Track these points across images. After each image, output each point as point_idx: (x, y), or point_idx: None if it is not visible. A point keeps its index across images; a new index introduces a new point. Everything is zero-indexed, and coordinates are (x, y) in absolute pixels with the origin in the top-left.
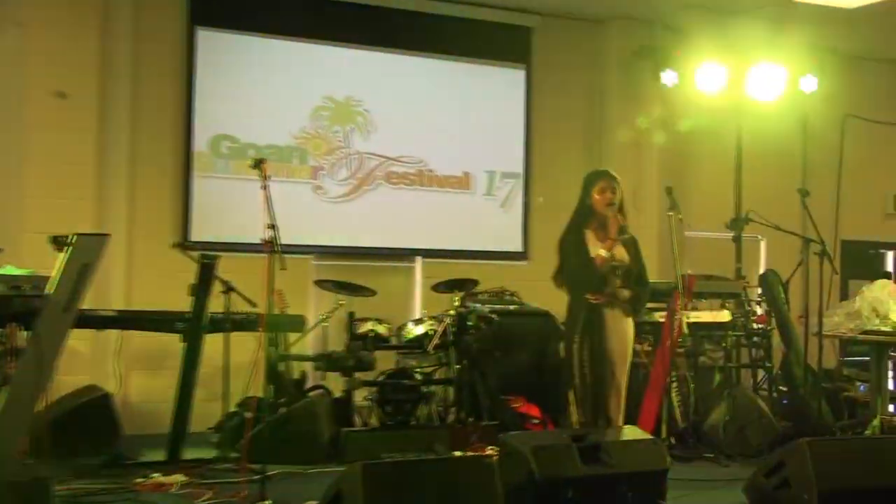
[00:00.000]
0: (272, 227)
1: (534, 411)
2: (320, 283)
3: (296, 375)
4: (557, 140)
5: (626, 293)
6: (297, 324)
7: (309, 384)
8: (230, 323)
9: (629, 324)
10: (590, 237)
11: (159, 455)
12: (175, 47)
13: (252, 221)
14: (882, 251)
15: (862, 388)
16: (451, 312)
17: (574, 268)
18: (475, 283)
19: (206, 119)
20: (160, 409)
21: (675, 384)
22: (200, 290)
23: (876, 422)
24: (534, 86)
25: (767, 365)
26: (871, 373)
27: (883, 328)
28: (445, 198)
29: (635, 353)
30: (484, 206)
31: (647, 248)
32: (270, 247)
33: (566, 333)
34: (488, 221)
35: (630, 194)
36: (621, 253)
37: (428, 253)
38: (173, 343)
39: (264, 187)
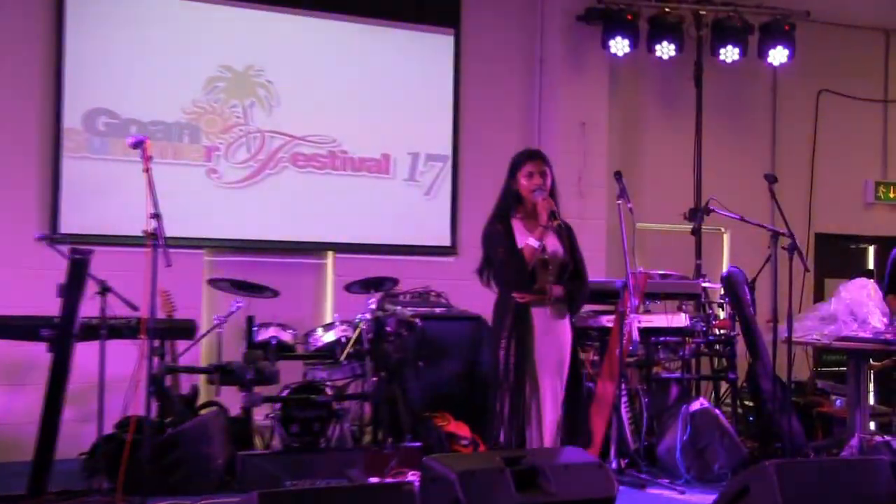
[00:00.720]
0: (156, 216)
1: (462, 430)
2: (214, 283)
3: (185, 390)
4: (491, 117)
5: (558, 290)
6: (187, 330)
7: (200, 400)
8: (107, 329)
9: (565, 326)
10: (517, 226)
11: (19, 487)
12: (42, 4)
13: (133, 210)
14: (861, 246)
15: (838, 402)
16: (368, 316)
17: (499, 261)
18: (395, 282)
19: (80, 90)
20: (22, 433)
21: (625, 399)
22: (71, 290)
23: (854, 441)
24: (464, 54)
25: (731, 377)
26: (848, 385)
27: (862, 334)
28: (361, 184)
29: (579, 363)
30: (406, 194)
31: (593, 242)
32: (154, 240)
33: (492, 337)
34: (411, 211)
35: (573, 180)
36: (554, 243)
37: (341, 247)
38: (39, 353)
39: (147, 170)
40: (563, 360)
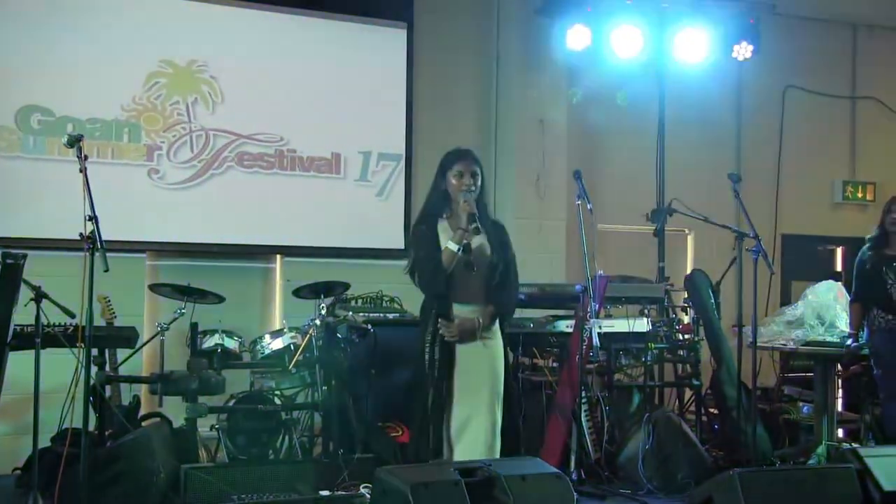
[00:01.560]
0: (93, 218)
1: None
2: (156, 288)
3: (125, 401)
4: (446, 115)
5: (485, 319)
6: (127, 338)
7: (142, 412)
8: (42, 337)
9: (495, 335)
10: (443, 228)
11: None
12: None
13: (69, 212)
14: (829, 247)
15: (805, 409)
16: (318, 322)
17: (421, 262)
18: (346, 286)
19: (12, 86)
20: None
21: (585, 407)
22: (3, 296)
23: (821, 449)
24: (417, 49)
25: (695, 383)
26: (816, 392)
27: (829, 339)
28: (310, 184)
29: (536, 370)
30: (357, 195)
31: (552, 244)
32: (92, 243)
33: (419, 338)
34: (363, 212)
35: (532, 179)
36: (481, 244)
37: (289, 251)
38: None
39: (83, 170)
40: (497, 363)
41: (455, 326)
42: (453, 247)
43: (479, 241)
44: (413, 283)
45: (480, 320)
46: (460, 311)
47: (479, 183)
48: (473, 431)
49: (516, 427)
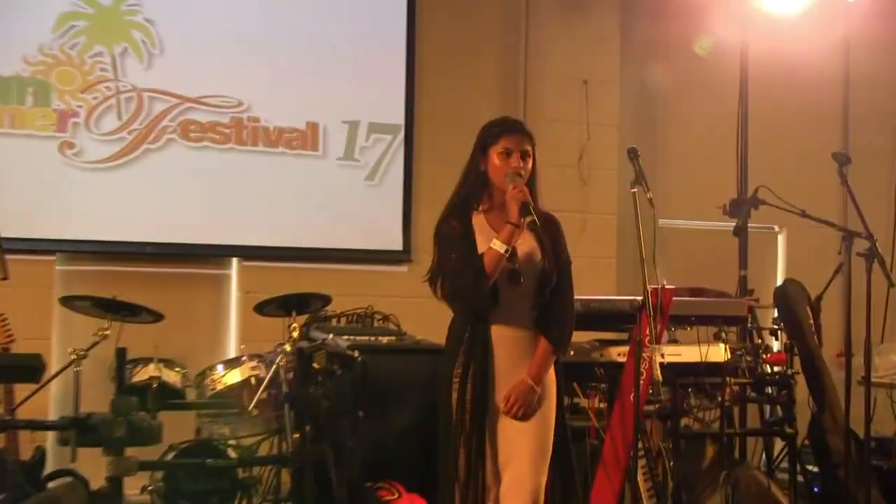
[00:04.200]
0: None
1: None
2: (69, 301)
3: (26, 455)
4: (458, 73)
5: (531, 386)
6: (30, 368)
7: (48, 468)
8: None
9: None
10: (479, 224)
11: None
12: None
13: None
14: None
15: None
16: (287, 349)
17: (450, 271)
18: (326, 300)
19: None
20: None
21: (643, 462)
22: None
23: None
24: None
25: (788, 431)
26: None
27: None
28: (278, 163)
29: (578, 412)
30: (341, 178)
31: (599, 245)
32: None
33: (443, 367)
34: (348, 202)
35: (573, 160)
36: (529, 246)
37: (250, 253)
38: None
39: None
40: (546, 405)
41: (510, 398)
42: (499, 247)
43: (527, 242)
44: (435, 294)
45: (536, 387)
46: (501, 334)
47: (530, 165)
48: (511, 499)
49: (568, 489)
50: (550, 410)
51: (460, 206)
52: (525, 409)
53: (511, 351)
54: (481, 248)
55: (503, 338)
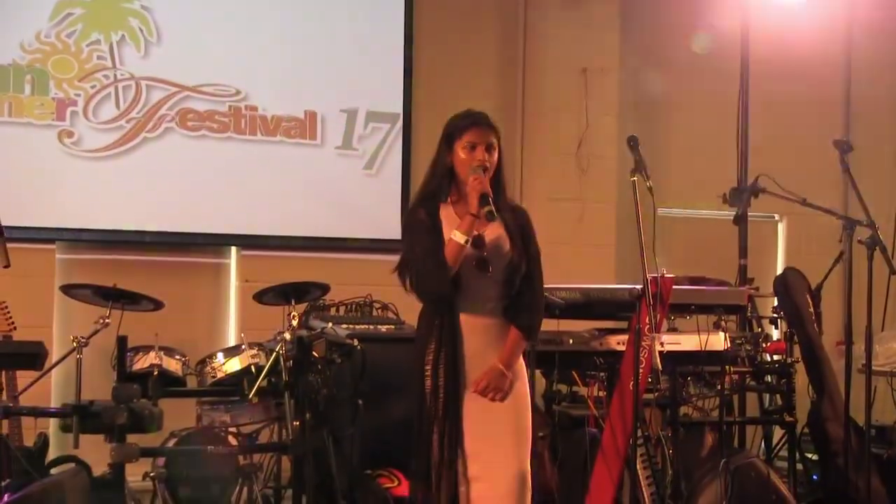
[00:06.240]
0: None
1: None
2: (71, 290)
3: (30, 442)
4: (457, 62)
5: (501, 371)
6: (32, 356)
7: (51, 455)
8: None
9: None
10: (446, 215)
11: None
12: None
13: None
14: None
15: None
16: (287, 337)
17: (417, 257)
18: (325, 289)
19: None
20: None
21: (642, 449)
22: None
23: None
24: None
25: (788, 419)
26: None
27: None
28: (277, 153)
29: (577, 400)
30: (339, 167)
31: (597, 234)
32: None
33: (415, 356)
34: (346, 191)
35: (571, 148)
36: (497, 235)
37: (249, 241)
38: None
39: None
40: (519, 389)
41: (481, 382)
42: (459, 237)
43: (495, 232)
44: (403, 286)
45: (507, 371)
46: (471, 322)
47: (495, 158)
48: (497, 484)
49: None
50: (524, 394)
51: (428, 198)
52: (496, 394)
53: (481, 339)
54: (446, 238)
55: (473, 326)
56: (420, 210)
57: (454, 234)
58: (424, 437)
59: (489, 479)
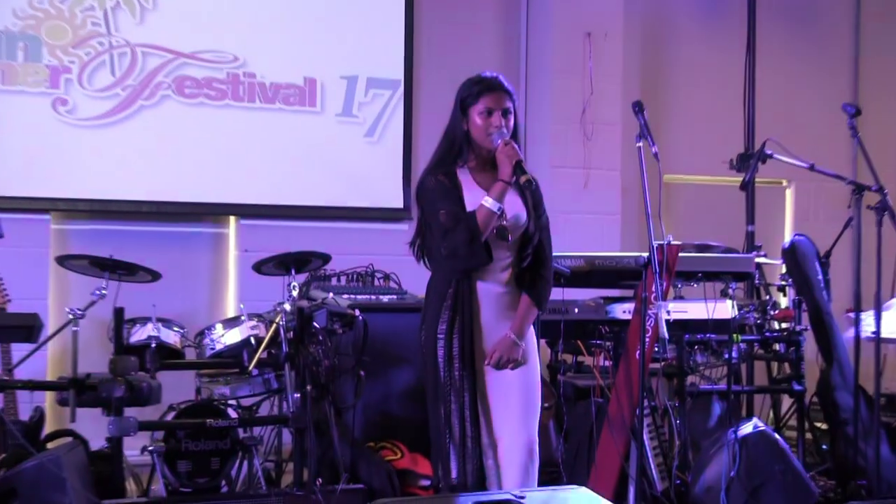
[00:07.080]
0: None
1: (421, 466)
2: (66, 261)
3: (25, 415)
4: (458, 26)
5: (513, 341)
6: (27, 328)
7: (48, 429)
8: None
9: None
10: (465, 180)
11: None
12: None
13: None
14: None
15: None
16: (287, 308)
17: (440, 227)
18: (326, 259)
19: None
20: None
21: (649, 420)
22: None
23: None
24: None
25: (797, 388)
26: None
27: None
28: (275, 120)
29: (583, 370)
30: (340, 134)
31: (603, 201)
32: None
33: (426, 325)
34: (347, 159)
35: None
36: (514, 205)
37: (247, 211)
38: None
39: None
40: (530, 360)
41: (495, 355)
42: (492, 204)
43: (512, 200)
44: (417, 256)
45: (519, 341)
46: (486, 290)
47: (511, 122)
48: (504, 455)
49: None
50: (534, 364)
51: (444, 162)
52: (510, 364)
53: (494, 306)
54: (469, 204)
55: (487, 293)
56: (439, 175)
57: (486, 201)
58: (444, 411)
59: (505, 450)
